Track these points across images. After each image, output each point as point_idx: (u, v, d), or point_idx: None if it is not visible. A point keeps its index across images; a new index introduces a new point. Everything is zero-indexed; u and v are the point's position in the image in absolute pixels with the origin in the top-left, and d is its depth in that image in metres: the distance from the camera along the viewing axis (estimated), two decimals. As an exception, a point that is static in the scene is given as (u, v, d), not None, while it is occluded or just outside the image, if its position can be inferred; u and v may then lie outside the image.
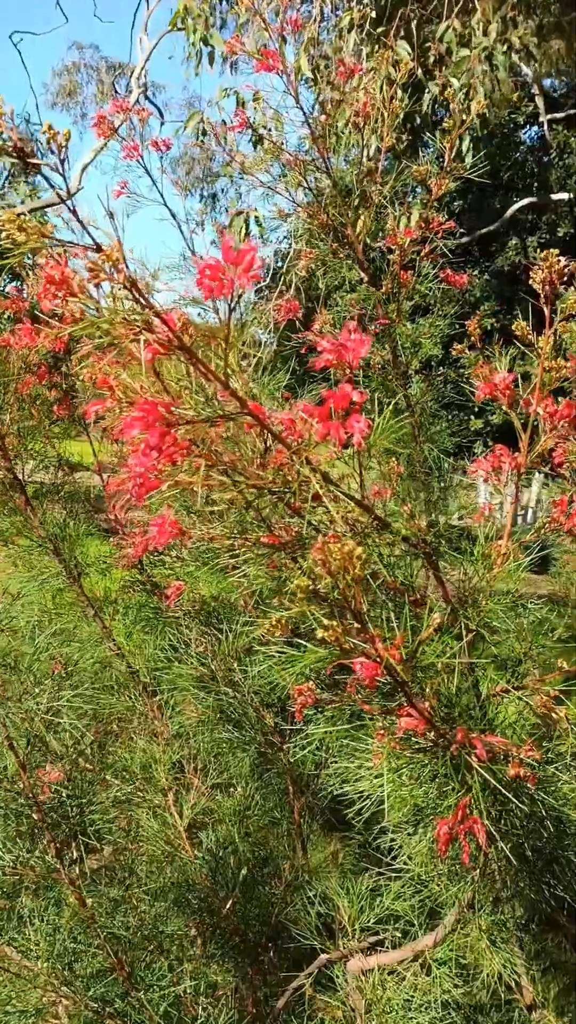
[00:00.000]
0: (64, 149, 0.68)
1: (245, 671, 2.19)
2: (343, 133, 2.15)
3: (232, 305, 0.77)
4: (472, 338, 1.50)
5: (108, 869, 2.02)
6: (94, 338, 0.83)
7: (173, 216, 2.48)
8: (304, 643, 1.39)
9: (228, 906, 2.01)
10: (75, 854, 1.58)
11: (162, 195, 2.46)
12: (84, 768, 1.85)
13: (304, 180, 2.01)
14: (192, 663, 2.20)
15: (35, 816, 1.55)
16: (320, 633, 0.81)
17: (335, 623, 0.81)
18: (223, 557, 1.83)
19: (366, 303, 2.18)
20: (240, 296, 0.77)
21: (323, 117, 2.07)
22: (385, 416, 0.93)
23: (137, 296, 0.72)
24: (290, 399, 2.73)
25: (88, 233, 0.72)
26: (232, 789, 2.35)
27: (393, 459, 2.07)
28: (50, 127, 0.66)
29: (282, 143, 2.19)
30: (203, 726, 2.23)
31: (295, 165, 2.04)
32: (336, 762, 1.59)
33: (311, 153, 2.14)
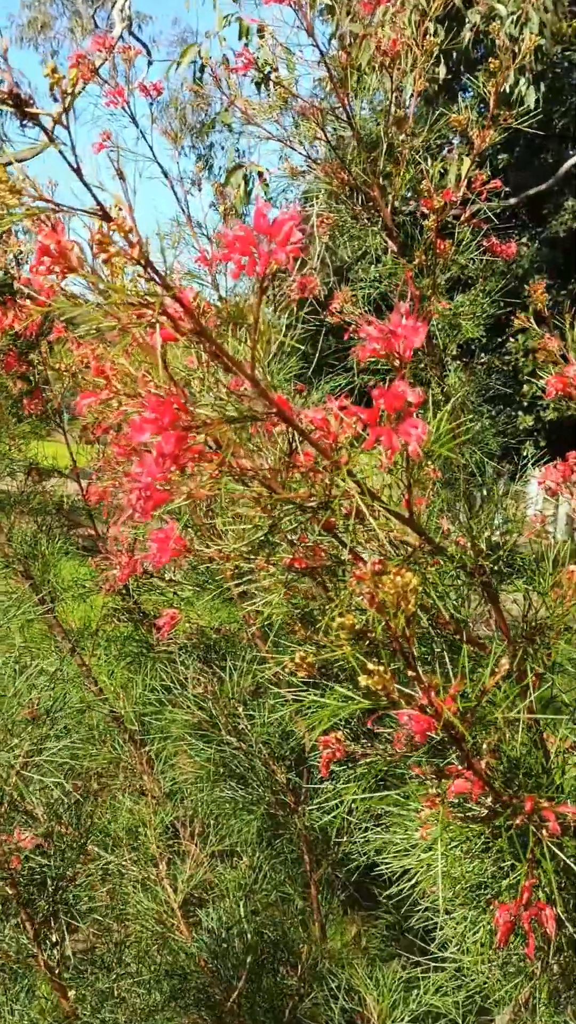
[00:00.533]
0: (70, 96, 0.67)
1: (252, 717, 2.18)
2: (366, 75, 2.14)
3: (264, 285, 0.76)
4: (537, 305, 1.44)
5: (90, 952, 2.00)
6: (92, 322, 0.82)
7: (165, 174, 2.48)
8: (328, 684, 1.38)
9: (232, 998, 1.99)
10: (55, 936, 1.57)
11: (152, 148, 2.46)
12: (62, 832, 1.84)
13: (322, 131, 2.01)
14: (188, 707, 2.18)
15: (8, 890, 1.54)
16: (364, 680, 0.79)
17: (382, 668, 0.80)
18: (231, 582, 1.82)
19: (395, 278, 2.18)
20: (275, 275, 0.76)
21: (343, 56, 2.06)
22: (441, 419, 0.91)
23: (152, 274, 0.71)
24: (305, 392, 2.73)
25: (93, 196, 0.71)
26: (236, 858, 2.34)
27: (428, 463, 2.06)
28: (54, 69, 0.65)
29: (293, 86, 2.18)
30: (201, 782, 2.22)
31: (310, 114, 2.03)
32: (364, 828, 1.57)
33: (329, 99, 2.14)
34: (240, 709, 2.20)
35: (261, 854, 2.31)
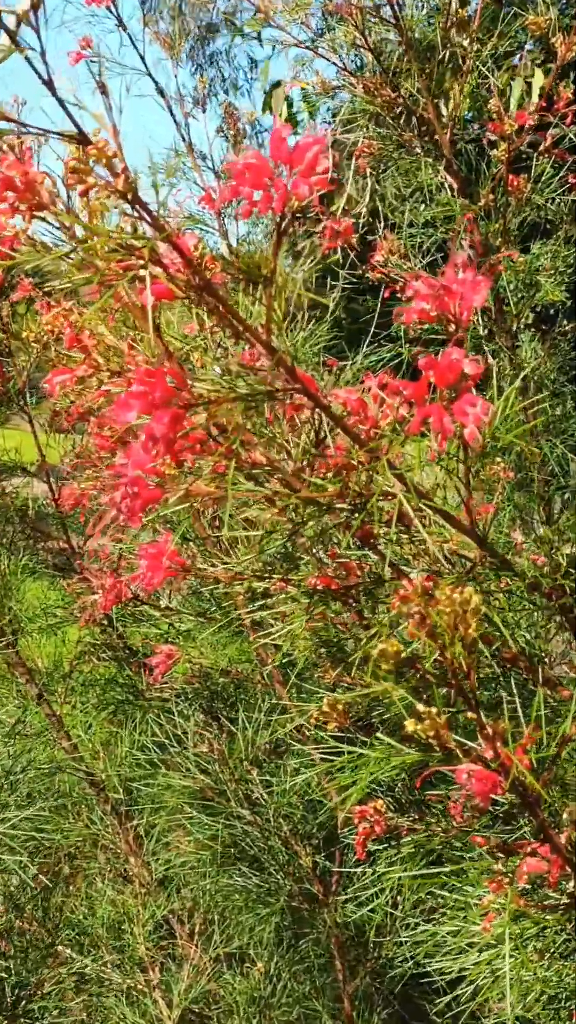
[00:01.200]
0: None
1: (269, 782, 2.19)
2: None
3: (284, 226, 0.77)
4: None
5: None
6: (66, 275, 0.83)
7: (160, 92, 2.50)
8: (365, 738, 1.39)
9: None
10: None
11: (143, 59, 2.49)
12: (25, 928, 1.85)
13: (362, 36, 2.02)
14: (188, 769, 2.20)
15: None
16: (411, 727, 0.80)
17: (434, 711, 0.81)
18: (242, 609, 1.83)
19: (453, 222, 2.19)
20: (297, 215, 0.77)
21: None
22: (509, 397, 0.92)
23: (141, 211, 0.72)
24: (338, 368, 2.74)
25: (69, 115, 0.72)
26: (248, 964, 2.34)
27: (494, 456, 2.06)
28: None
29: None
30: (204, 866, 2.23)
31: (348, 12, 2.05)
32: (412, 925, 1.58)
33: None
34: (254, 773, 2.21)
35: (280, 959, 2.31)
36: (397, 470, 0.89)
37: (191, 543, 1.81)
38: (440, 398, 0.82)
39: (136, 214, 0.74)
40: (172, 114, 2.54)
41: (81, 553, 2.42)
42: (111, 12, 2.38)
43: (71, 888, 2.35)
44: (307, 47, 2.28)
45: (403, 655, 0.77)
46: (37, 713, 2.38)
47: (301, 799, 2.18)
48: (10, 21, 0.73)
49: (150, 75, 2.57)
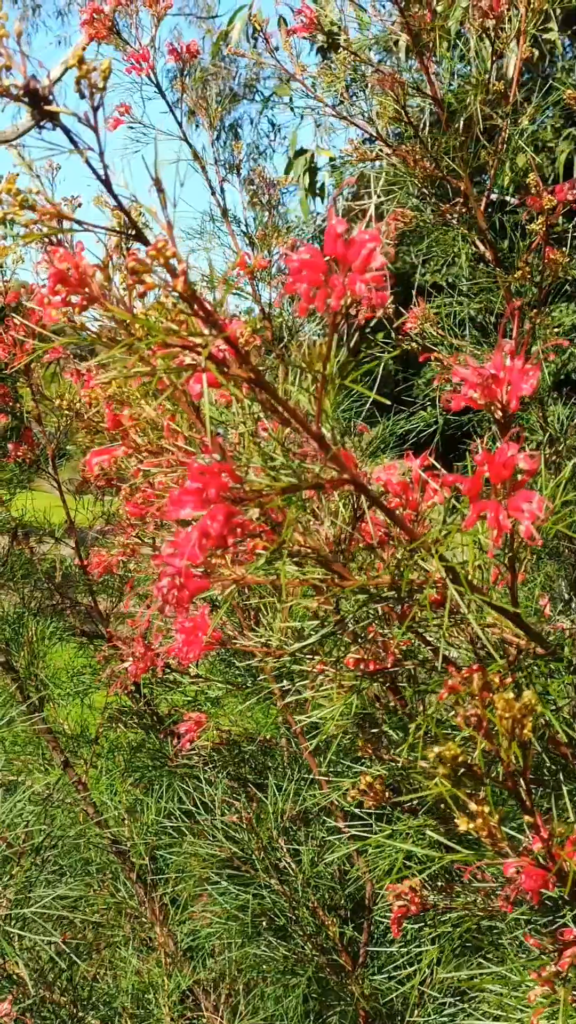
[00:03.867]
0: (100, 92, 0.69)
1: (297, 852, 2.17)
2: (456, 40, 2.17)
3: (337, 322, 0.77)
4: None
5: None
6: (115, 364, 0.83)
7: (197, 158, 2.53)
8: (401, 815, 1.37)
9: None
10: None
11: (180, 125, 2.51)
12: (53, 1000, 1.83)
13: (403, 111, 2.03)
14: (215, 837, 2.18)
15: None
16: (463, 825, 0.79)
17: (486, 810, 0.80)
18: (273, 684, 1.82)
19: (488, 294, 2.19)
20: (351, 308, 0.77)
21: (427, 14, 2.09)
22: (560, 484, 0.92)
23: (199, 311, 0.72)
24: (366, 432, 2.74)
25: (125, 213, 0.73)
26: (274, 1036, 2.31)
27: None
28: (81, 60, 0.67)
29: (365, 52, 2.22)
30: (230, 936, 2.20)
31: (387, 85, 2.06)
32: (445, 1005, 1.56)
33: (408, 69, 2.16)
34: (281, 841, 2.19)
35: (307, 1033, 2.28)
36: (447, 562, 0.89)
37: (222, 613, 1.80)
38: (495, 492, 0.81)
39: (191, 309, 0.74)
40: (208, 180, 2.56)
41: (109, 618, 2.42)
42: (151, 80, 2.41)
43: (95, 955, 2.33)
44: (343, 117, 2.29)
45: (460, 759, 0.76)
46: (63, 780, 2.37)
47: (329, 868, 2.15)
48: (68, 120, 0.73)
49: (187, 140, 2.59)
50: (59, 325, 0.89)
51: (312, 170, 6.01)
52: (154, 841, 2.36)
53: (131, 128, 2.54)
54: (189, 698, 2.22)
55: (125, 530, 1.97)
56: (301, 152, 6.24)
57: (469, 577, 0.92)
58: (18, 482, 2.47)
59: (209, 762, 2.28)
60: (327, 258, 0.77)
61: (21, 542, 2.52)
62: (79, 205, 2.26)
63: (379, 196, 2.14)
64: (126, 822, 2.43)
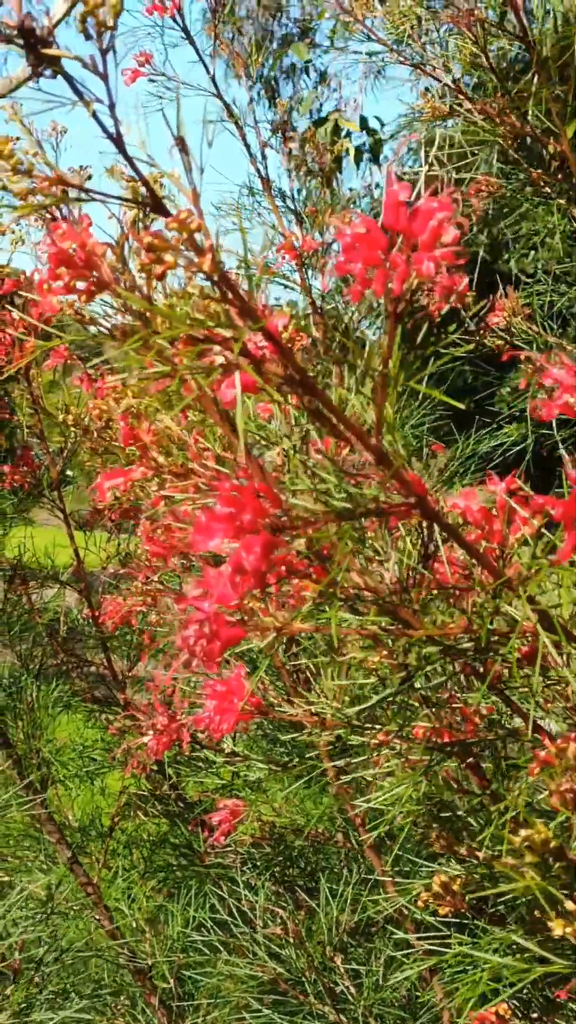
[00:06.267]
0: (110, 30, 0.70)
1: (356, 973, 2.16)
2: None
3: (401, 311, 0.78)
4: None
5: None
6: (129, 364, 0.84)
7: (232, 118, 2.55)
8: (484, 925, 1.37)
9: None
10: None
11: (213, 78, 2.54)
12: None
13: (483, 52, 2.05)
14: (256, 953, 2.17)
15: None
16: (558, 928, 0.80)
17: (584, 911, 0.80)
18: (327, 762, 1.82)
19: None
20: (414, 292, 0.78)
21: None
22: None
23: (230, 293, 0.73)
24: (441, 453, 2.74)
25: (139, 176, 0.74)
26: None
27: None
28: (85, -6, 0.69)
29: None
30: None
31: (465, 24, 2.07)
32: None
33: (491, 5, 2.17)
34: (338, 960, 2.18)
35: None
36: (537, 604, 0.89)
37: (264, 675, 1.80)
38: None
39: (221, 296, 0.75)
40: (246, 144, 2.57)
41: (125, 682, 2.41)
42: (176, 22, 2.42)
43: None
44: (413, 64, 2.31)
45: (552, 844, 0.77)
46: (70, 880, 2.36)
47: (396, 994, 2.15)
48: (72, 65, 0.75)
49: (220, 97, 2.61)
50: (65, 321, 0.91)
51: (336, 133, 6.04)
52: (181, 959, 2.36)
53: (152, 81, 2.55)
54: (223, 781, 2.22)
55: (145, 572, 1.97)
56: (322, 120, 6.26)
57: (565, 623, 0.92)
58: (16, 512, 2.46)
59: (248, 860, 2.28)
60: (387, 232, 0.78)
61: (18, 587, 2.52)
62: (89, 177, 2.28)
63: (454, 161, 2.15)
64: (147, 934, 2.42)
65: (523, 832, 0.77)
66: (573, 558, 0.84)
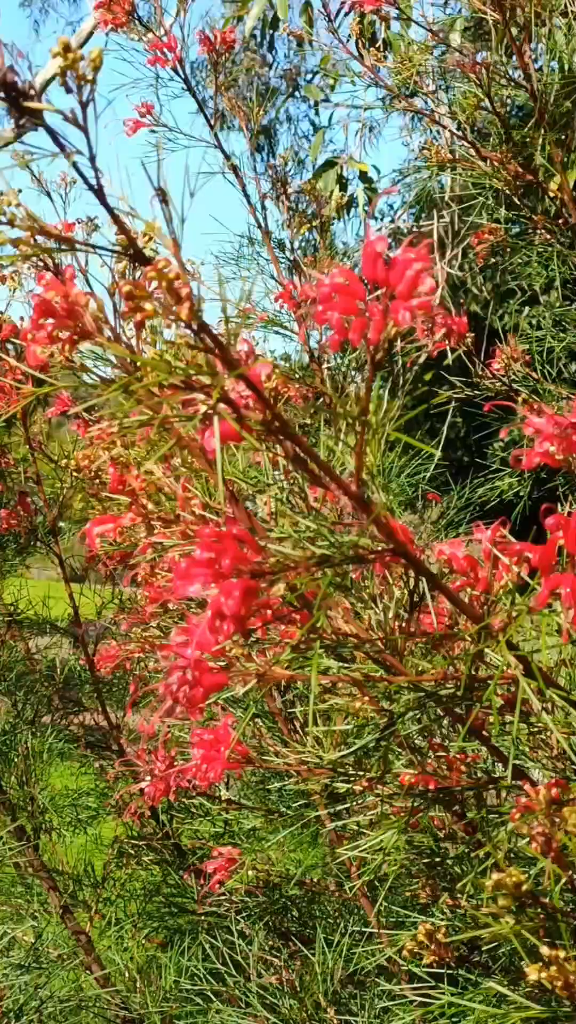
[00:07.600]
0: (90, 84, 0.72)
1: (350, 1023, 2.15)
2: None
3: (378, 358, 0.79)
4: None
5: None
6: (114, 411, 0.86)
7: (235, 171, 2.57)
8: (471, 976, 1.37)
9: None
10: None
11: (212, 128, 2.56)
12: None
13: (488, 98, 2.06)
14: (250, 1004, 2.16)
15: None
16: (534, 974, 0.80)
17: (562, 955, 0.80)
18: (321, 809, 1.82)
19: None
20: (393, 342, 0.80)
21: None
22: None
23: (209, 342, 0.75)
24: (439, 501, 2.75)
25: (123, 229, 0.76)
26: None
27: None
28: (67, 47, 0.70)
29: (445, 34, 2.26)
30: None
31: (471, 70, 2.09)
32: None
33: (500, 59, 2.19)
34: (331, 1011, 2.17)
35: None
36: (517, 650, 0.90)
37: (257, 719, 1.81)
38: (572, 565, 0.83)
39: (203, 344, 0.76)
40: (246, 194, 2.59)
41: (120, 728, 2.40)
42: (178, 74, 2.45)
43: None
44: (420, 112, 2.33)
45: (524, 887, 0.77)
46: (60, 928, 2.35)
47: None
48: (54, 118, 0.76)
49: (220, 147, 2.63)
50: (66, 370, 0.92)
51: (343, 184, 6.06)
52: (174, 1009, 2.34)
53: (153, 132, 2.58)
54: (218, 830, 2.22)
55: (133, 620, 1.96)
56: (330, 164, 6.28)
57: (545, 669, 0.93)
58: (13, 559, 2.46)
59: (243, 910, 2.26)
60: (365, 283, 0.80)
61: (14, 635, 2.51)
62: (95, 228, 2.30)
63: (451, 205, 2.17)
64: (138, 985, 2.41)
65: (495, 876, 0.78)
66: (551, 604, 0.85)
